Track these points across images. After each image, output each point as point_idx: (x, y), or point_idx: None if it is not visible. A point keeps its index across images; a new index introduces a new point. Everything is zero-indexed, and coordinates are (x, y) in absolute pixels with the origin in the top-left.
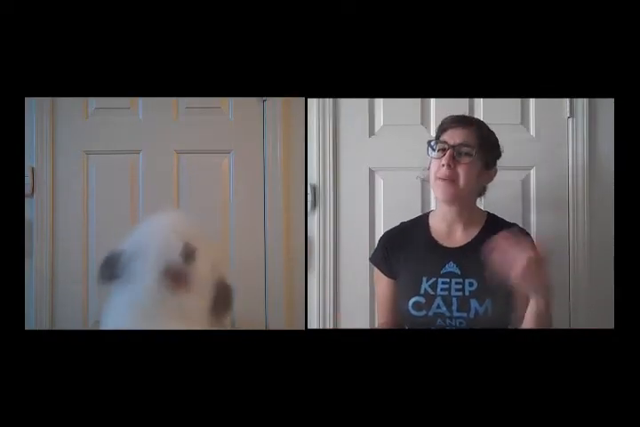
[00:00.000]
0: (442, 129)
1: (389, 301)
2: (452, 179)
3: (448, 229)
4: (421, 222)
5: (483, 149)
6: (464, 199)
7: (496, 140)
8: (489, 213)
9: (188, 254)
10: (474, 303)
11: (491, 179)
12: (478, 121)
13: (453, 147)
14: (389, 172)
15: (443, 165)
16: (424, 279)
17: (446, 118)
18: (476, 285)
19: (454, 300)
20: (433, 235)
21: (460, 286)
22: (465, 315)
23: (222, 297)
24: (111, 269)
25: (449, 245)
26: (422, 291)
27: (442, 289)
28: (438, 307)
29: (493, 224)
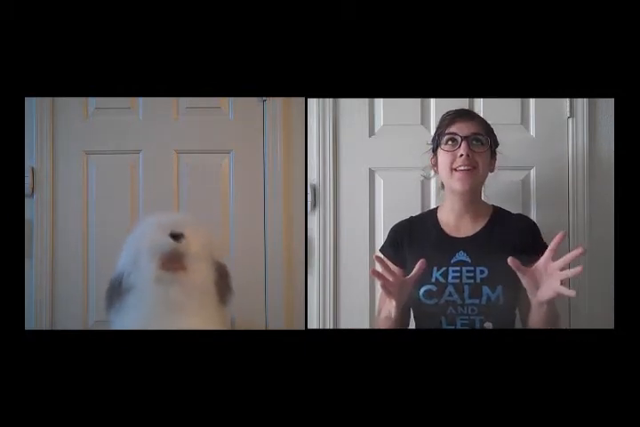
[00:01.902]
0: (447, 123)
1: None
2: (472, 167)
3: (457, 220)
4: (431, 216)
5: (489, 138)
6: (476, 189)
7: (492, 129)
8: (494, 205)
9: (177, 236)
10: (486, 290)
11: (494, 168)
12: (477, 114)
13: (467, 137)
14: (389, 172)
15: (461, 155)
16: (434, 269)
17: (449, 113)
18: (486, 272)
19: (466, 287)
20: (442, 227)
21: (472, 274)
22: (477, 301)
23: (223, 279)
24: (115, 293)
25: (458, 236)
26: (433, 279)
27: (453, 277)
28: (450, 295)
29: (500, 215)
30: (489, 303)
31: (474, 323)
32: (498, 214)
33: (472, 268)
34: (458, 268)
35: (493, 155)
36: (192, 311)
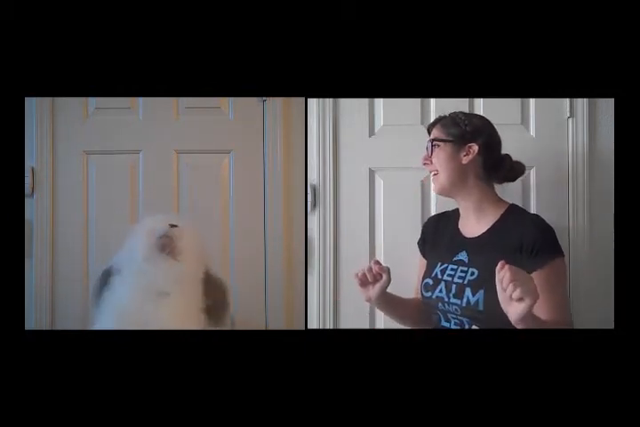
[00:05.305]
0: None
1: (419, 280)
2: (434, 172)
3: (464, 220)
4: (457, 212)
5: (448, 132)
6: (455, 187)
7: (457, 117)
8: (512, 204)
9: (173, 225)
10: (467, 292)
11: (471, 155)
12: (442, 117)
13: (427, 148)
14: (389, 172)
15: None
16: (438, 264)
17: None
18: (476, 274)
19: (453, 286)
20: (458, 226)
21: (463, 274)
22: (459, 302)
23: (216, 294)
24: (103, 282)
25: (467, 235)
26: (433, 274)
27: (448, 275)
28: (440, 291)
29: (512, 216)
30: (468, 306)
31: (463, 324)
32: (510, 215)
33: (466, 268)
34: (455, 266)
35: (461, 143)
36: (173, 299)
